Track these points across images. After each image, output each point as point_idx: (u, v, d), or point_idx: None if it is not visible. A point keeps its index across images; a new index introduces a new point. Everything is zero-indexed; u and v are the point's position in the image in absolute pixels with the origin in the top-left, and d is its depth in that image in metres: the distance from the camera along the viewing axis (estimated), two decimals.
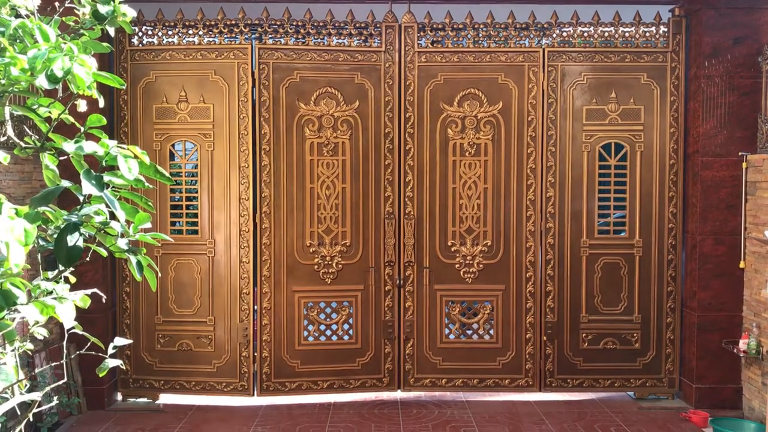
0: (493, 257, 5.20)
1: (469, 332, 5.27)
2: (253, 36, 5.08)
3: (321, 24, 5.09)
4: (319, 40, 5.11)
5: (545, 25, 5.13)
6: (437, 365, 5.24)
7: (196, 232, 5.16)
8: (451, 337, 5.27)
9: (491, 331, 5.25)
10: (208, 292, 5.17)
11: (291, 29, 5.04)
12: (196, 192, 5.15)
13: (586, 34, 5.16)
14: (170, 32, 5.07)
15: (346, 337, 5.24)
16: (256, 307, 5.15)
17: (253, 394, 5.17)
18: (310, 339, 5.23)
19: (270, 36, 5.05)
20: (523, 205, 5.16)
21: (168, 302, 5.18)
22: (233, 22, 5.03)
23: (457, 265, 5.20)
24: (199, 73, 5.06)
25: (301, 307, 5.19)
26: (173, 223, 5.18)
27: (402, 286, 5.22)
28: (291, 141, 5.08)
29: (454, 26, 5.14)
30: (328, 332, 5.24)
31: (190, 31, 5.05)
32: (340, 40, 5.15)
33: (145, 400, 5.25)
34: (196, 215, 5.17)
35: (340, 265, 5.18)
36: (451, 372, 5.25)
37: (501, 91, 5.13)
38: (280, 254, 5.12)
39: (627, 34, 5.15)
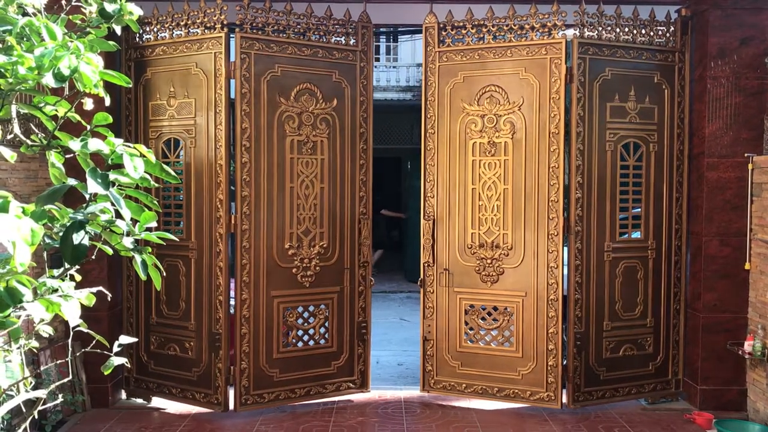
0: (514, 262, 4.98)
1: (488, 339, 5.11)
2: (232, 29, 4.84)
3: (301, 17, 4.90)
4: (298, 34, 4.95)
5: (574, 14, 4.85)
6: (456, 369, 5.14)
7: (182, 232, 5.01)
8: (470, 342, 5.14)
9: (511, 339, 5.05)
10: (190, 296, 4.96)
11: (272, 19, 4.83)
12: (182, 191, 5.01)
13: (609, 28, 4.92)
14: (163, 28, 4.98)
15: (322, 341, 5.12)
16: (232, 310, 4.90)
17: (227, 410, 4.86)
18: (288, 346, 5.03)
19: (250, 24, 4.79)
20: (545, 206, 4.87)
21: (160, 303, 5.09)
22: (211, 10, 4.79)
23: (477, 268, 5.07)
24: (183, 67, 4.89)
25: (280, 313, 4.96)
26: (165, 223, 5.06)
27: (422, 287, 5.18)
28: (272, 138, 4.85)
29: (475, 23, 4.99)
30: (306, 337, 5.09)
31: (179, 25, 4.91)
32: (319, 36, 5.02)
33: (140, 401, 5.21)
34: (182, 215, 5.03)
35: (318, 268, 5.06)
36: (469, 378, 5.11)
37: (522, 87, 4.90)
38: (260, 258, 4.85)
39: (644, 32, 5.03)
